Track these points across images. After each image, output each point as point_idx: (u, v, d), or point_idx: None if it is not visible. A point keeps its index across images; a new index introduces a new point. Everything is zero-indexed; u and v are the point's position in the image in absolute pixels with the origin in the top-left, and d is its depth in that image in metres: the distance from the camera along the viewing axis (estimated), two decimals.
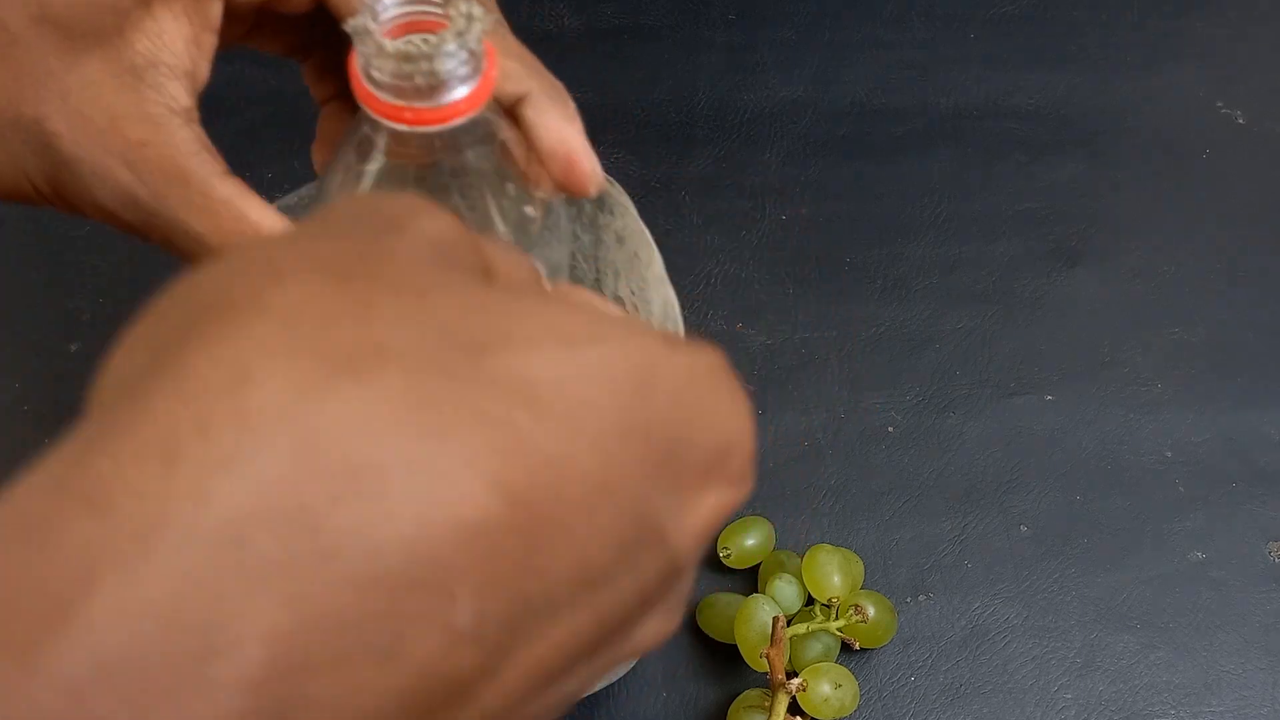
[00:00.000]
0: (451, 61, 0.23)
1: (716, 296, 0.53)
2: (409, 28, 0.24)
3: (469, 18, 0.23)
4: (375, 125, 0.25)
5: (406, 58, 0.23)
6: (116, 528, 0.13)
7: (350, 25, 0.23)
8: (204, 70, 0.28)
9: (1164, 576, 0.46)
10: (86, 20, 0.25)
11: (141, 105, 0.25)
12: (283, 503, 0.14)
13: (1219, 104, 0.61)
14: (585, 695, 0.20)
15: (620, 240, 0.37)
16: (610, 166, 0.56)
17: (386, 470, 0.14)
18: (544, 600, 0.15)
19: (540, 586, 0.15)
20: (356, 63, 0.24)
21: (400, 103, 0.23)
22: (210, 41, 0.27)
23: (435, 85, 0.23)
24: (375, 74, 0.23)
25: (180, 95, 0.26)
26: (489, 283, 0.19)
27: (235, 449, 0.14)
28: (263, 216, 0.27)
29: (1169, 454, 0.50)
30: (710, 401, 0.18)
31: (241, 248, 0.17)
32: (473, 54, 0.23)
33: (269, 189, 0.31)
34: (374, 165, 0.26)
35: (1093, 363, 0.52)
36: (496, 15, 0.28)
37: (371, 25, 0.23)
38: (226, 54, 0.29)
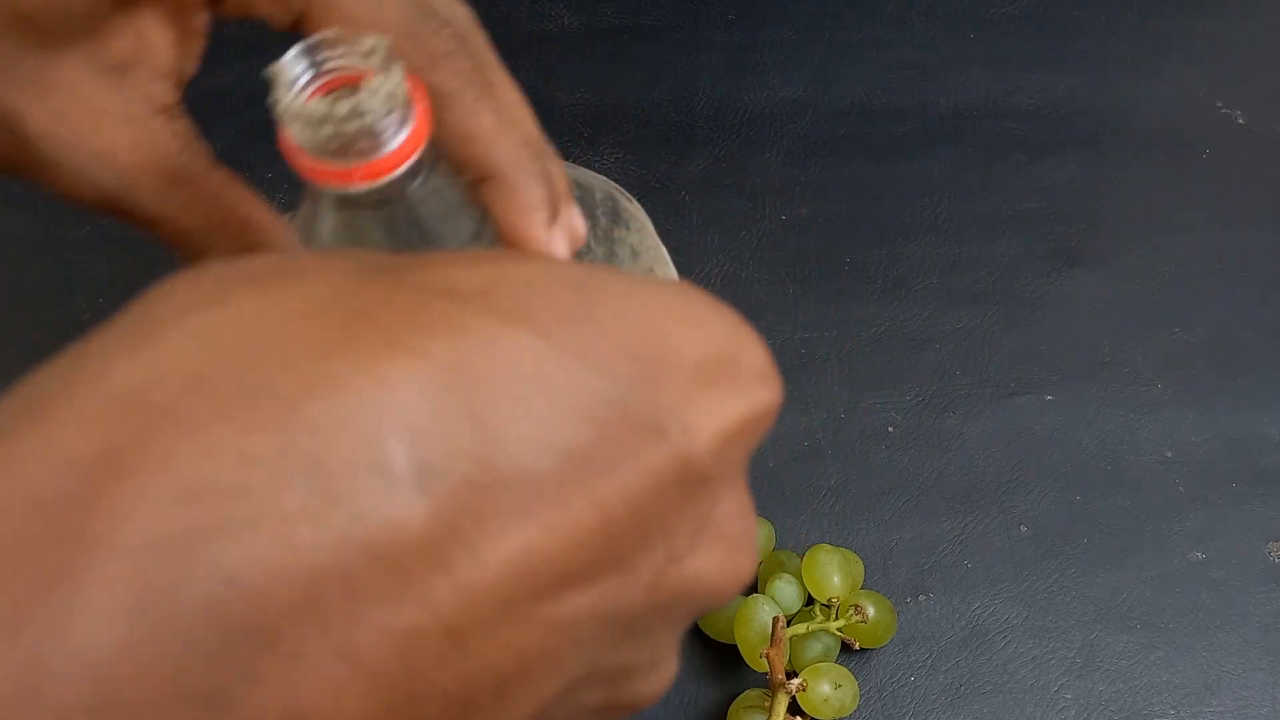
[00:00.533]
0: (384, 108, 0.22)
1: (716, 296, 0.53)
2: (328, 88, 0.23)
3: (383, 61, 0.22)
4: (319, 191, 0.24)
5: (341, 119, 0.22)
6: (26, 401, 0.14)
7: (279, 111, 0.22)
8: (190, 68, 0.27)
9: (1164, 576, 0.46)
10: (60, 20, 0.24)
11: (124, 105, 0.25)
12: (181, 370, 0.14)
13: (1219, 104, 0.61)
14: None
15: (635, 255, 0.37)
16: (610, 166, 0.56)
17: (295, 348, 0.14)
18: (518, 476, 0.15)
19: (510, 459, 0.14)
20: (290, 140, 0.23)
21: (342, 165, 0.22)
22: (196, 44, 0.27)
23: (374, 138, 0.23)
24: (310, 146, 0.22)
25: (162, 93, 0.26)
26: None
27: (136, 335, 0.15)
28: (253, 208, 0.26)
29: (1169, 454, 0.50)
30: (684, 309, 0.17)
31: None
32: (397, 95, 0.22)
33: (269, 188, 0.31)
34: (329, 222, 0.25)
35: (1093, 363, 0.52)
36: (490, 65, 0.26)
37: (298, 106, 0.22)
38: (227, 54, 0.29)
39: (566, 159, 0.48)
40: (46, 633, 0.12)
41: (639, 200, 0.37)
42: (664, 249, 0.36)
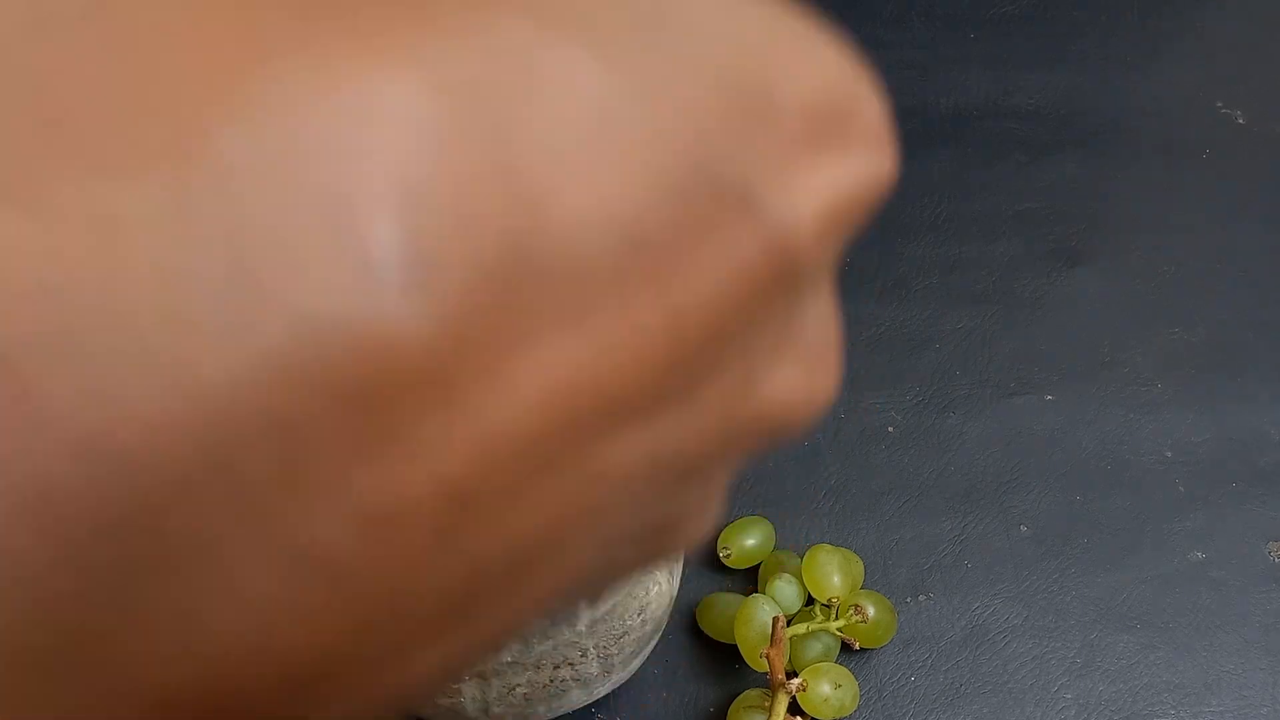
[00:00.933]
0: None
1: None
2: None
3: None
4: None
5: None
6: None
7: None
8: None
9: (1164, 576, 0.46)
10: None
11: None
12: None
13: (1219, 104, 0.61)
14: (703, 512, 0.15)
15: None
16: None
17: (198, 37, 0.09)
18: (554, 257, 0.10)
19: (550, 234, 0.10)
20: None
21: None
22: None
23: None
24: None
25: None
26: None
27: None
28: None
29: (1169, 454, 0.50)
30: (792, 33, 0.12)
31: None
32: None
33: None
34: None
35: (1093, 363, 0.52)
36: None
37: None
38: None
39: None
40: None
41: None
42: None
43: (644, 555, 0.14)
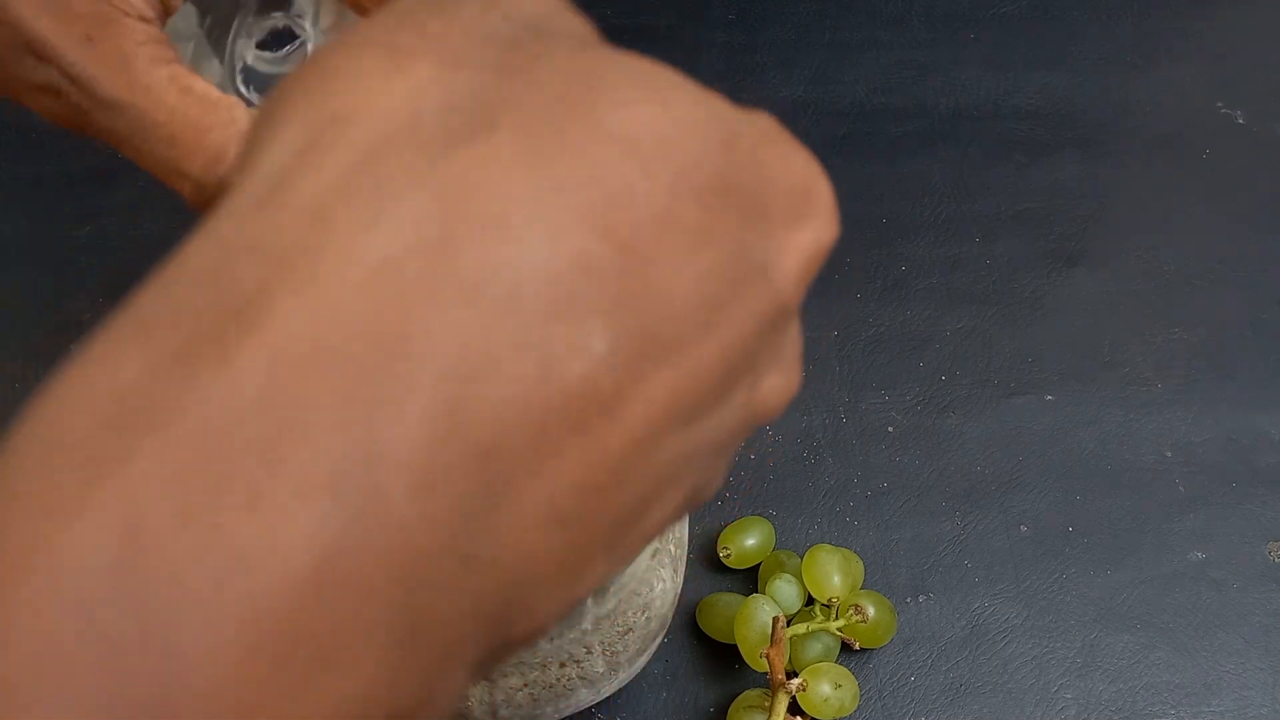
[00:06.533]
0: None
1: None
2: None
3: None
4: None
5: None
6: (281, 264, 0.15)
7: None
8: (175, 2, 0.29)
9: (1164, 576, 0.46)
10: None
11: (97, 6, 0.26)
12: (425, 242, 0.15)
13: (1219, 104, 0.61)
14: (706, 497, 0.21)
15: None
16: None
17: (512, 219, 0.15)
18: (669, 329, 0.16)
19: (663, 314, 0.16)
20: None
21: None
22: None
23: None
24: None
25: (140, 5, 0.27)
26: (584, 47, 0.20)
27: (377, 202, 0.15)
28: (208, 88, 0.27)
29: (1169, 454, 0.50)
30: (781, 151, 0.19)
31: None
32: None
33: None
34: None
35: (1093, 363, 0.52)
36: None
37: None
38: None
39: None
40: (359, 480, 0.14)
41: None
42: None
43: (688, 507, 0.20)
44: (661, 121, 0.17)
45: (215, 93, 0.27)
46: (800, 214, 0.19)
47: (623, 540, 0.17)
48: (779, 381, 0.20)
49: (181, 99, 0.27)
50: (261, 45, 0.28)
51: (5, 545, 0.13)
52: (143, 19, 0.27)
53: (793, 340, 0.20)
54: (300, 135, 0.16)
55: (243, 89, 0.27)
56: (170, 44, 0.27)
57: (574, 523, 0.16)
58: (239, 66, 0.27)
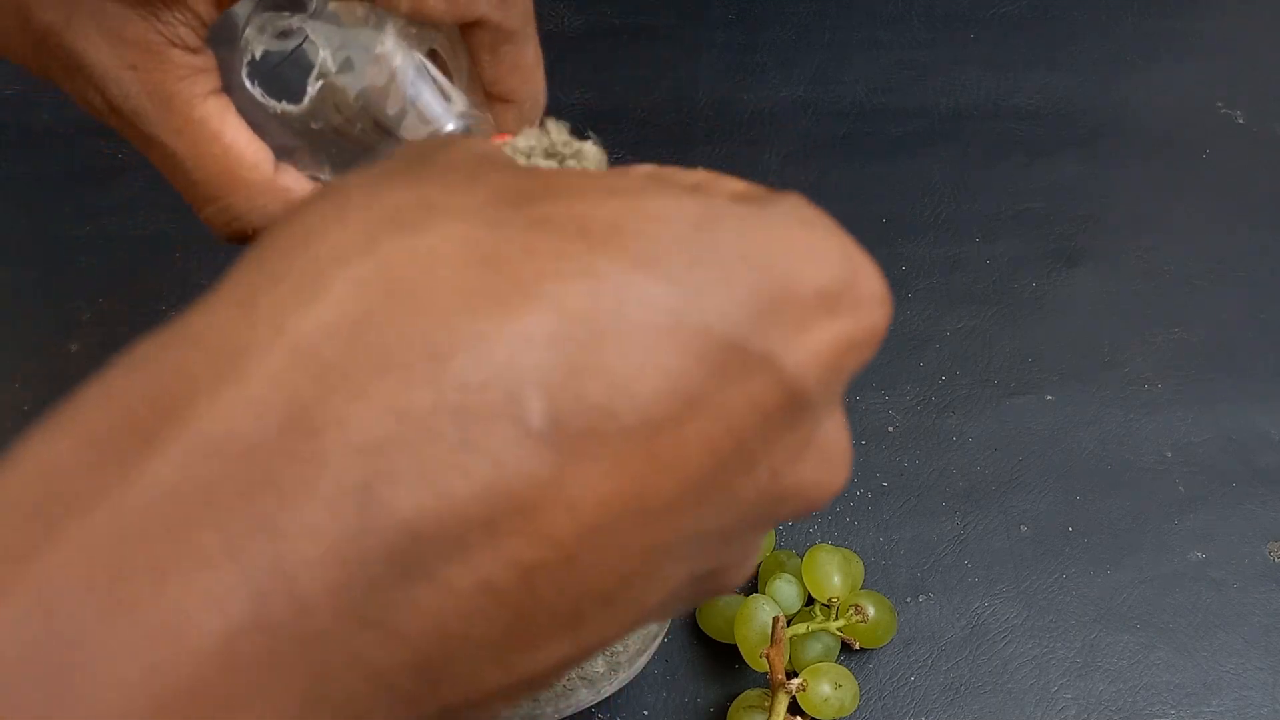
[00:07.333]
0: None
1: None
2: None
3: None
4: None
5: None
6: (207, 351, 0.16)
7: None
8: (214, 14, 0.29)
9: (1164, 576, 0.46)
10: None
11: (146, 35, 0.27)
12: (346, 320, 0.15)
13: (1219, 104, 0.61)
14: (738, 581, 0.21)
15: None
16: (611, 166, 0.56)
17: (442, 299, 0.16)
18: (627, 410, 0.16)
19: (618, 394, 0.16)
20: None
21: None
22: None
23: None
24: None
25: (187, 35, 0.28)
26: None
27: (302, 286, 0.16)
28: (237, 136, 0.28)
29: (1169, 454, 0.50)
30: (800, 238, 0.18)
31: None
32: None
33: None
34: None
35: (1093, 363, 0.52)
36: None
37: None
38: None
39: None
40: (267, 572, 0.14)
41: None
42: None
43: (702, 591, 0.19)
44: (614, 208, 0.17)
45: (242, 141, 0.28)
46: (831, 305, 0.18)
47: (590, 624, 0.17)
48: (812, 474, 0.19)
49: (210, 147, 0.28)
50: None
51: None
52: (187, 48, 0.27)
53: (829, 432, 0.19)
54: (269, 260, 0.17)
55: (248, 83, 0.27)
56: (213, 72, 0.28)
57: (515, 600, 0.16)
58: (246, 60, 0.27)
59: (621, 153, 0.56)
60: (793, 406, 0.17)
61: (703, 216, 0.17)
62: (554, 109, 0.57)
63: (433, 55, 0.29)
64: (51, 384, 0.48)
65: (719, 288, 0.17)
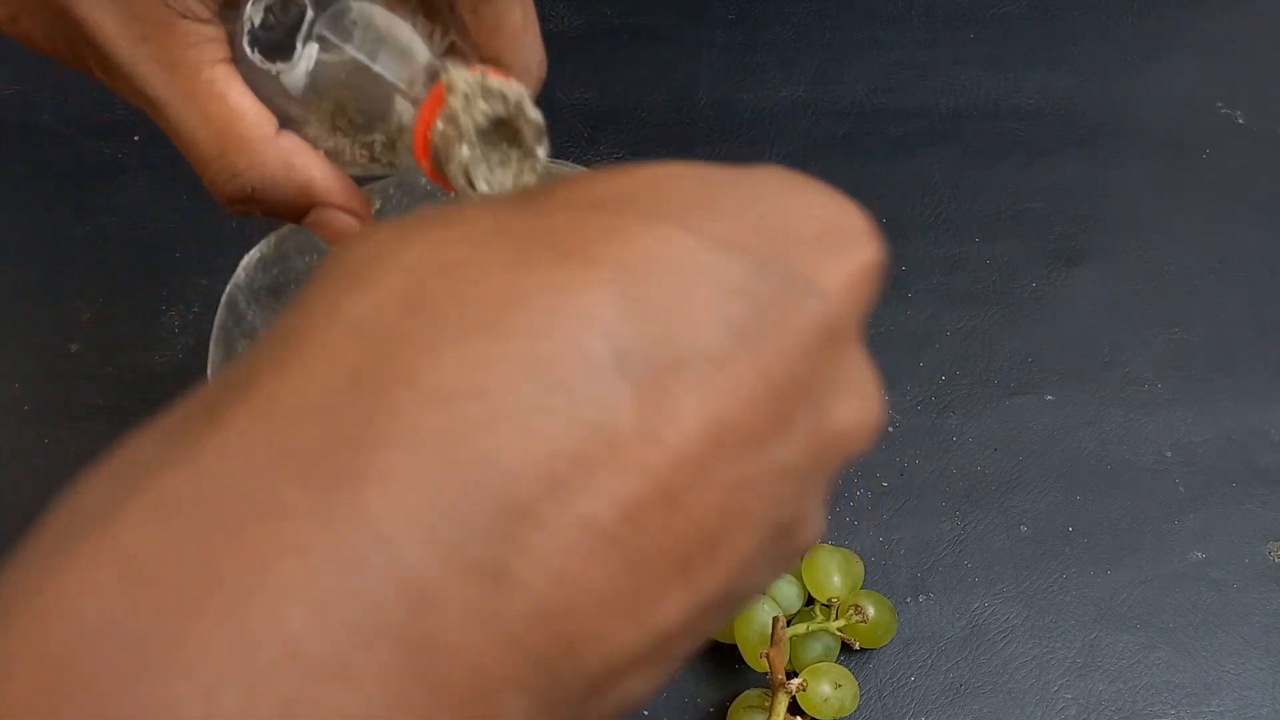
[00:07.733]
0: None
1: None
2: None
3: None
4: None
5: None
6: (266, 346, 0.17)
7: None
8: None
9: (1164, 576, 0.46)
10: None
11: (155, 9, 0.28)
12: (399, 298, 0.16)
13: (1219, 104, 0.61)
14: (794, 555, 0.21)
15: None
16: (610, 166, 0.56)
17: (493, 267, 0.17)
18: (690, 344, 0.17)
19: (677, 333, 0.17)
20: None
21: None
22: None
23: None
24: None
25: (196, 6, 0.28)
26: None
27: (351, 277, 0.17)
28: (241, 98, 0.29)
29: (1169, 454, 0.50)
30: (791, 190, 0.20)
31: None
32: None
33: None
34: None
35: (1093, 363, 0.52)
36: None
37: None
38: None
39: (566, 159, 0.48)
40: (352, 520, 0.14)
41: None
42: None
43: (784, 549, 0.20)
44: (648, 173, 0.19)
45: (246, 103, 0.29)
46: (832, 242, 0.20)
47: (700, 571, 0.17)
48: (853, 409, 0.20)
49: (215, 106, 0.28)
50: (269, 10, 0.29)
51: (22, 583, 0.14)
52: (197, 19, 0.28)
53: (859, 365, 0.20)
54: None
55: (248, 49, 0.28)
56: (222, 42, 0.29)
57: (625, 541, 0.16)
58: (247, 29, 0.28)
59: (621, 153, 0.56)
60: (829, 335, 0.18)
61: (699, 174, 0.19)
62: (554, 109, 0.57)
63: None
64: (51, 384, 0.48)
65: (732, 230, 0.18)
